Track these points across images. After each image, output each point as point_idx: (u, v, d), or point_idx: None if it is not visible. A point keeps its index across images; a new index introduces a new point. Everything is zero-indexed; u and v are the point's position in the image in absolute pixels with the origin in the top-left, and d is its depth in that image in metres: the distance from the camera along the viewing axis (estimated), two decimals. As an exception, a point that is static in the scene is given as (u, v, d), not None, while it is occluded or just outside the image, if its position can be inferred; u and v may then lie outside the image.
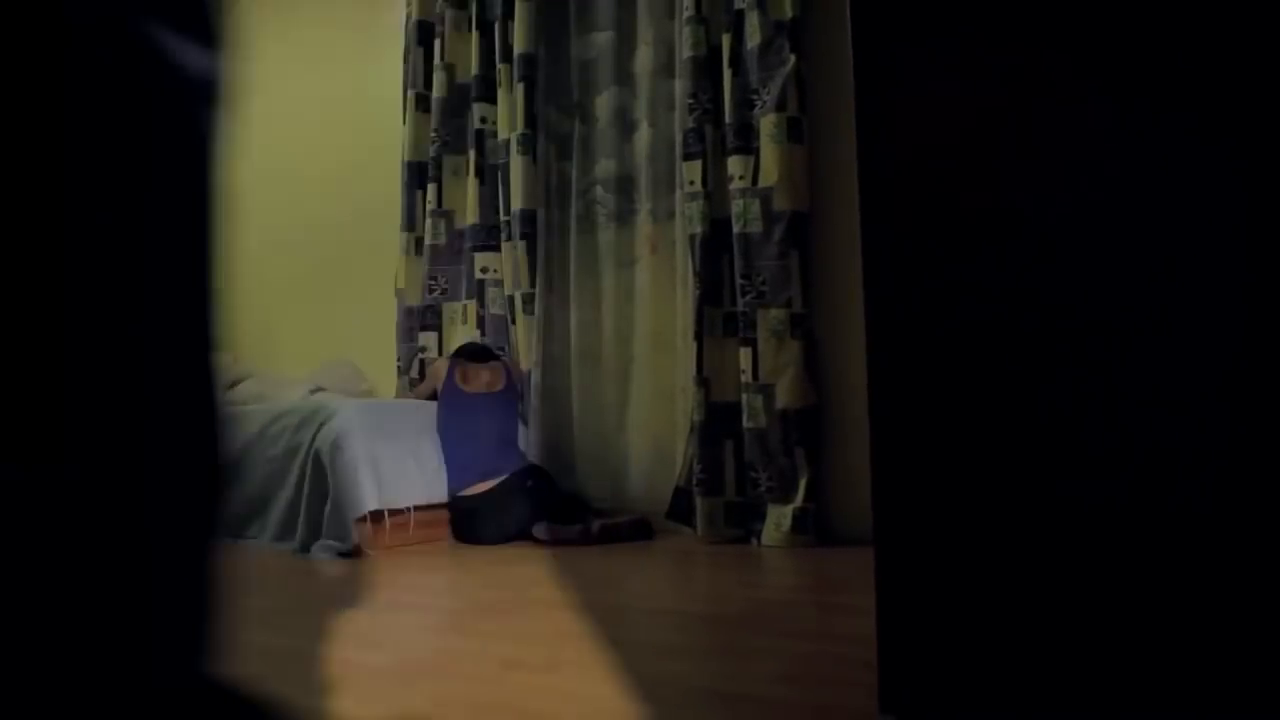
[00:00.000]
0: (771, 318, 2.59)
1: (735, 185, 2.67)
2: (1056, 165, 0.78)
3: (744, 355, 2.62)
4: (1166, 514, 0.70)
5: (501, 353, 3.19)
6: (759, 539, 2.55)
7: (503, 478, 2.72)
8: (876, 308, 0.86)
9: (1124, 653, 0.71)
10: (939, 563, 0.80)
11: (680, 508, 2.71)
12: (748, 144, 2.67)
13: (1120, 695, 0.71)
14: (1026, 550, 0.76)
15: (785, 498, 2.54)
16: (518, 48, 3.18)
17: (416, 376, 3.39)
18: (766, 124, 2.63)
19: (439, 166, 3.40)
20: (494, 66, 3.30)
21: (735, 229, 2.66)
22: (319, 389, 3.40)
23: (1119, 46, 0.75)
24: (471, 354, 3.06)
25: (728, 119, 2.70)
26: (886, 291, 0.86)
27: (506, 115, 3.25)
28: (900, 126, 0.86)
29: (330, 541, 2.45)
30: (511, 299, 3.19)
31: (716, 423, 2.67)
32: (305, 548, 2.48)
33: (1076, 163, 0.77)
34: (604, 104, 3.16)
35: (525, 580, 2.03)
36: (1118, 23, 0.75)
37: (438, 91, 3.41)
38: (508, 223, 3.21)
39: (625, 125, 3.13)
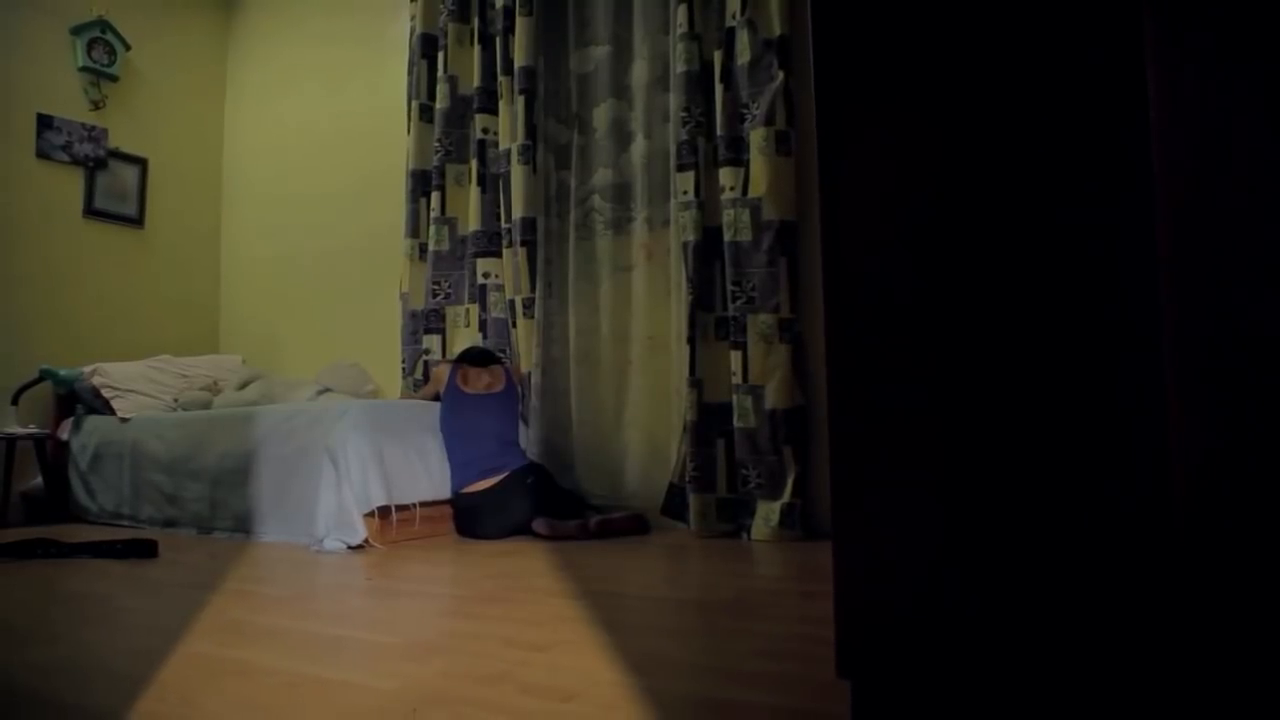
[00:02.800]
0: (761, 322, 2.70)
1: (726, 195, 2.79)
2: (988, 188, 0.89)
3: (735, 358, 2.74)
4: (1075, 502, 0.82)
5: (503, 355, 3.31)
6: (749, 533, 2.66)
7: (504, 475, 2.83)
8: (835, 321, 0.98)
9: (1047, 629, 0.83)
10: (885, 548, 0.92)
11: (674, 504, 2.83)
12: (738, 156, 2.79)
13: (1042, 667, 0.83)
14: (959, 536, 0.88)
15: (774, 494, 2.65)
16: (518, 61, 3.29)
17: (421, 378, 3.51)
18: (756, 137, 2.75)
19: (442, 175, 3.51)
20: (495, 79, 3.42)
21: (726, 237, 2.77)
22: (326, 389, 3.52)
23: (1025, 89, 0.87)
24: (473, 358, 3.16)
25: (719, 132, 2.82)
26: (844, 305, 0.98)
27: (507, 126, 3.36)
28: (854, 159, 0.98)
29: (340, 535, 2.57)
30: (512, 303, 3.31)
31: (709, 422, 2.79)
32: (317, 541, 2.59)
33: (1001, 186, 0.89)
34: (601, 115, 3.27)
35: (525, 571, 2.14)
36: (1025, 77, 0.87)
37: (441, 103, 3.53)
38: (508, 229, 3.32)
39: (622, 136, 3.24)
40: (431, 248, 3.52)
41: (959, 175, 0.91)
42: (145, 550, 2.48)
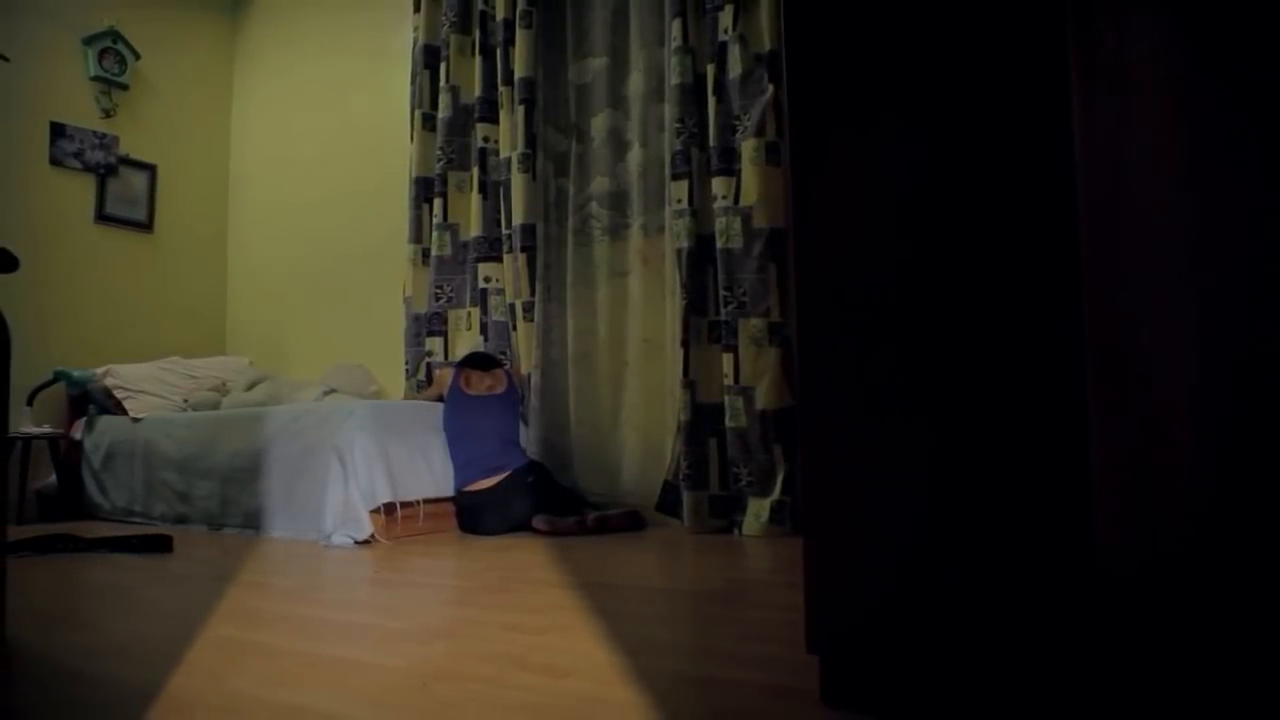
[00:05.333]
0: (751, 326, 2.81)
1: (719, 204, 2.89)
2: (943, 209, 1.00)
3: (727, 360, 2.84)
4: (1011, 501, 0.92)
5: (503, 357, 3.41)
6: (740, 529, 2.76)
7: (505, 474, 2.94)
8: (805, 333, 1.08)
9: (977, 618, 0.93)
10: (847, 541, 1.03)
11: (669, 501, 2.93)
12: (730, 166, 2.90)
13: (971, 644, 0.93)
14: (909, 532, 0.98)
15: (764, 491, 2.75)
16: (518, 72, 3.40)
17: (424, 379, 3.62)
18: (747, 148, 2.85)
19: (444, 182, 3.62)
20: (496, 89, 3.52)
21: (719, 244, 2.88)
22: (331, 390, 3.62)
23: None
24: (476, 362, 3.27)
25: (712, 142, 2.92)
26: (814, 318, 1.08)
27: (508, 134, 3.46)
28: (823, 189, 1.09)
29: (347, 531, 2.67)
30: (512, 306, 3.41)
31: (702, 422, 2.89)
32: (325, 536, 2.70)
33: (958, 207, 0.99)
34: (599, 125, 3.38)
35: (526, 564, 2.24)
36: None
37: (443, 112, 3.63)
38: (509, 235, 3.43)
39: (618, 145, 3.34)
40: (434, 253, 3.62)
41: (918, 196, 1.01)
42: (160, 545, 2.58)
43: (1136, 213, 0.75)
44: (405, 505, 2.81)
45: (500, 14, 3.49)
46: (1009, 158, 0.95)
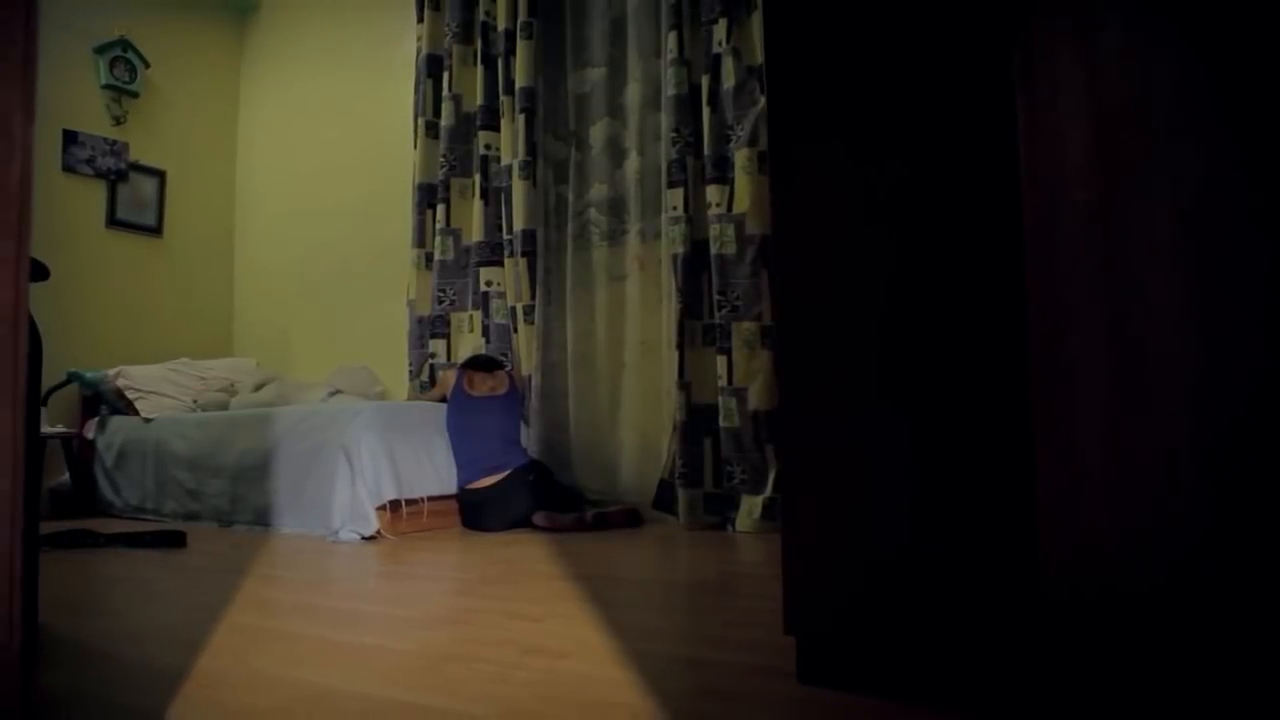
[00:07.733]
0: (744, 330, 2.90)
1: (713, 211, 2.99)
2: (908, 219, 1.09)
3: (721, 362, 2.94)
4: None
5: (505, 359, 3.51)
6: (733, 525, 2.86)
7: (506, 472, 3.03)
8: (787, 344, 1.18)
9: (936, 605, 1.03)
10: (817, 538, 1.12)
11: (665, 498, 3.03)
12: (724, 174, 2.99)
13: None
14: (877, 523, 1.08)
15: (756, 489, 2.85)
16: (519, 81, 3.49)
17: (428, 381, 3.71)
18: (740, 157, 2.95)
19: (447, 188, 3.71)
20: (498, 98, 3.61)
21: (713, 250, 2.97)
22: (337, 391, 3.71)
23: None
24: (479, 364, 3.36)
25: (706, 151, 3.02)
26: (795, 325, 1.17)
27: (509, 142, 3.56)
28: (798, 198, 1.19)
29: (354, 527, 2.77)
30: (513, 309, 3.50)
31: (697, 423, 2.98)
32: (332, 532, 2.79)
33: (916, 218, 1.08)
34: (597, 133, 3.47)
35: (526, 559, 2.34)
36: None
37: (446, 120, 3.73)
38: (510, 240, 3.52)
39: (616, 153, 3.44)
40: (437, 257, 3.72)
41: (887, 207, 1.11)
42: (175, 541, 2.68)
43: (1066, 236, 0.85)
44: (410, 502, 2.90)
45: (501, 24, 3.58)
46: (969, 177, 1.05)
